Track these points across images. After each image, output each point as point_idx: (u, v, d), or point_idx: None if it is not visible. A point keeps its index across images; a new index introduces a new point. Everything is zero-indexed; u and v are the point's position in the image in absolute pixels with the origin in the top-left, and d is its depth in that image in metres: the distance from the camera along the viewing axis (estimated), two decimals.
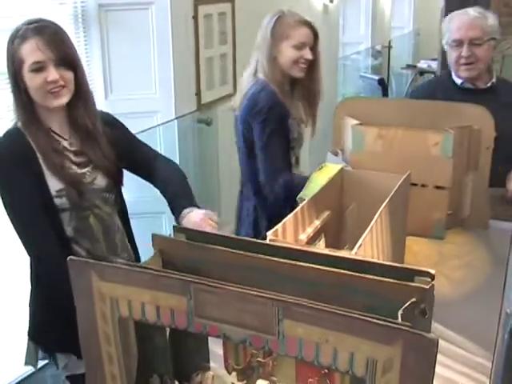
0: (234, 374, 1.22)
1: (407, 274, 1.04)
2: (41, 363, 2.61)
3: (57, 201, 1.96)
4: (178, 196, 2.06)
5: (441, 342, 1.38)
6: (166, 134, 3.64)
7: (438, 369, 1.49)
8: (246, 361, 1.22)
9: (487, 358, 1.57)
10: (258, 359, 1.18)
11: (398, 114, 2.19)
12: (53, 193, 1.95)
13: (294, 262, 1.07)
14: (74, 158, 2.02)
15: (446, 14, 3.59)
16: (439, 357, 1.48)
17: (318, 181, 1.78)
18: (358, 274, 1.03)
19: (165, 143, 3.68)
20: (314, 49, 2.57)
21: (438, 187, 2.13)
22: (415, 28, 9.17)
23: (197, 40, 3.68)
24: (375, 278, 1.02)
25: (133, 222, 3.74)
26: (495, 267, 2.04)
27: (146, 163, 2.18)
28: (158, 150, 3.68)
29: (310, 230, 1.52)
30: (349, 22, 6.74)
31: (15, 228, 1.95)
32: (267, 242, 1.29)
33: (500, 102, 2.47)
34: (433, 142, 2.05)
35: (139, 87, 3.46)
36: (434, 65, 7.83)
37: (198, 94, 3.77)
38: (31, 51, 1.86)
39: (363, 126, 2.12)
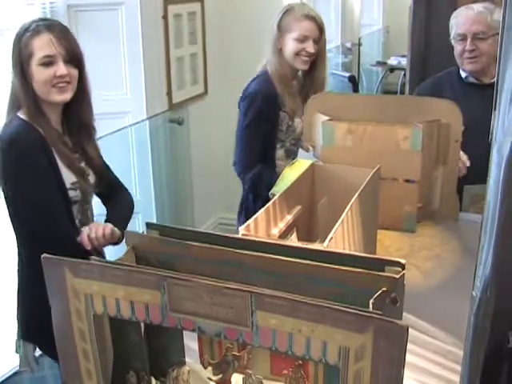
0: (209, 368, 1.23)
1: (378, 264, 1.06)
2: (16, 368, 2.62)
3: (71, 193, 2.05)
4: (112, 218, 2.16)
5: (413, 332, 1.40)
6: (137, 134, 3.63)
7: (411, 358, 1.52)
8: (221, 355, 1.23)
9: (458, 346, 1.60)
10: (233, 353, 1.19)
11: (368, 108, 2.21)
12: (67, 185, 2.03)
13: (264, 255, 1.08)
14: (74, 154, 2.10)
15: (415, 12, 3.64)
16: (412, 346, 1.51)
17: (290, 176, 1.80)
18: (328, 265, 1.04)
19: (137, 143, 3.68)
20: (318, 42, 2.65)
21: (407, 181, 2.16)
22: (384, 25, 9.23)
23: (167, 40, 3.68)
24: (346, 268, 1.03)
25: None
26: (465, 258, 2.07)
27: (109, 190, 2.26)
28: (130, 150, 3.70)
29: (282, 225, 1.53)
30: None
31: (29, 217, 1.99)
32: (239, 236, 1.31)
33: None
34: (402, 136, 2.08)
35: (110, 88, 3.45)
36: (404, 61, 7.89)
37: (169, 93, 3.76)
38: (43, 45, 1.95)
39: (333, 121, 2.14)
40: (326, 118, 2.17)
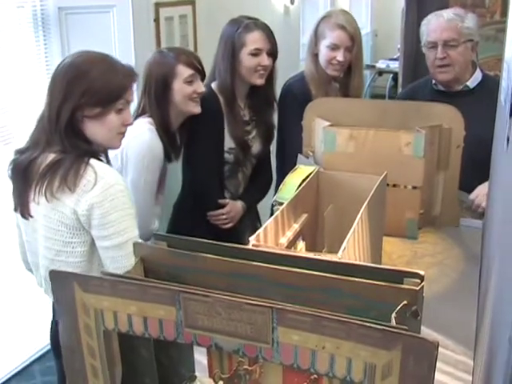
0: (220, 382, 1.19)
1: (395, 275, 1.03)
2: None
3: (226, 155, 2.59)
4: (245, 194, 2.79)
5: None
6: None
7: None
8: (231, 369, 1.19)
9: (468, 355, 1.58)
10: (245, 367, 1.15)
11: (368, 114, 2.19)
12: (226, 148, 2.58)
13: (279, 267, 1.05)
14: (245, 127, 2.64)
15: (407, 15, 3.62)
16: None
17: (292, 183, 1.77)
18: (347, 278, 1.01)
19: None
20: (351, 51, 2.70)
21: (410, 187, 2.13)
22: (373, 29, 9.24)
23: (158, 43, 3.62)
24: (365, 281, 1.00)
25: None
26: (468, 264, 2.06)
27: (257, 166, 2.82)
28: None
29: (289, 234, 1.50)
30: (308, 23, 6.74)
31: (196, 168, 2.59)
32: (250, 247, 1.27)
33: (475, 105, 2.44)
34: (405, 142, 2.05)
35: None
36: (393, 64, 7.92)
37: None
38: (255, 39, 2.52)
39: (335, 127, 2.11)
40: (326, 123, 2.14)
